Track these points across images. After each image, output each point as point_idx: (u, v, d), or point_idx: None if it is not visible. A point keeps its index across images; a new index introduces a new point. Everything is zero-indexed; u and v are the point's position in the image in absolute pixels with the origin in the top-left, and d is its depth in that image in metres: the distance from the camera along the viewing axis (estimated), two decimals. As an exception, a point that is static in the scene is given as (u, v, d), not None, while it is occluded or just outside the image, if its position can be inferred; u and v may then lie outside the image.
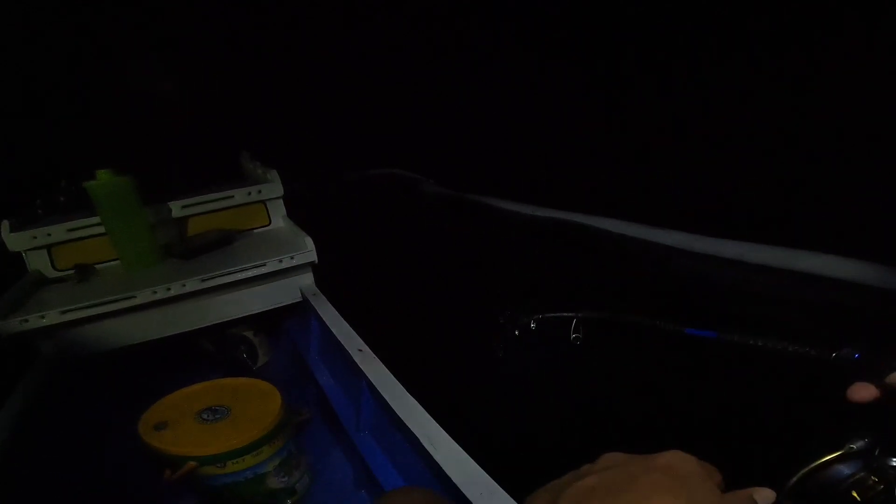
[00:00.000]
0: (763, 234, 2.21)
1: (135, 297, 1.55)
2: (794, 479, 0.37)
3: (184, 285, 1.60)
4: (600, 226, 2.63)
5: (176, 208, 1.87)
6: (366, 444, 1.47)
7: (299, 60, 3.57)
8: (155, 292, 1.56)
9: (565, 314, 0.96)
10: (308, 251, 1.79)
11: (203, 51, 3.23)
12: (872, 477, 0.34)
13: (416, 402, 1.18)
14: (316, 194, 3.29)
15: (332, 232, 3.03)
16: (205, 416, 1.41)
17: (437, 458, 0.97)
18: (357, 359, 1.42)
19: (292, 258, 1.77)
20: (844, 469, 0.36)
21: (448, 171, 3.62)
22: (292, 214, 2.13)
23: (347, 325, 1.63)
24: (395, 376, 1.34)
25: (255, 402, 1.43)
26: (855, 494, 0.35)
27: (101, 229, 1.77)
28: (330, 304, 1.78)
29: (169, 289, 1.58)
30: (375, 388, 1.29)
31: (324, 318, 1.68)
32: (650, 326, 0.80)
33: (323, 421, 1.77)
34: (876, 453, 0.35)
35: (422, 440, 1.03)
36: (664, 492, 0.33)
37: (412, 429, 1.08)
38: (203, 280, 1.62)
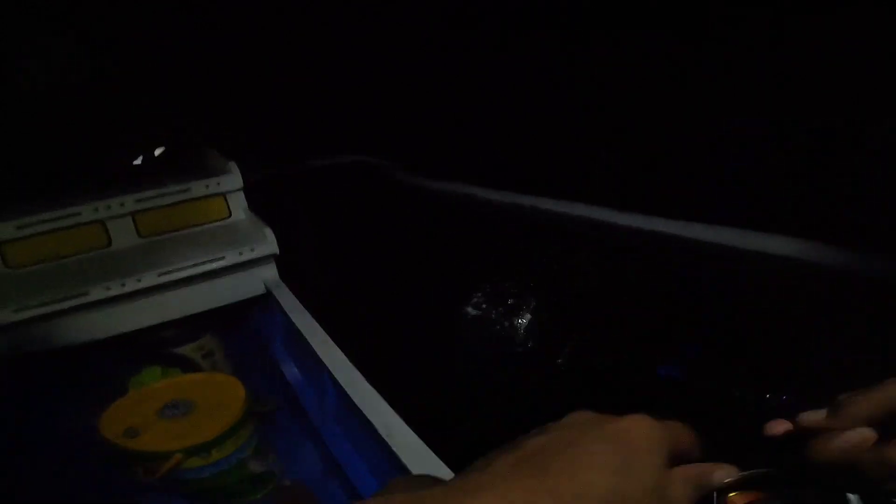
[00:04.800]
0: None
1: (87, 293, 1.52)
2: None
3: (139, 280, 1.56)
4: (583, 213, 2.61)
5: (130, 202, 1.83)
6: (332, 435, 1.48)
7: (262, 44, 3.48)
8: (108, 288, 1.53)
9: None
10: (268, 243, 1.77)
11: (162, 34, 3.12)
12: None
13: (375, 391, 1.19)
14: (281, 183, 3.24)
15: (299, 222, 2.99)
16: (168, 413, 1.40)
17: (395, 447, 0.98)
18: (319, 350, 1.42)
19: (252, 250, 1.75)
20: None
21: (420, 158, 3.58)
22: (257, 205, 2.10)
23: (310, 316, 1.62)
24: (359, 366, 1.34)
25: (217, 392, 1.42)
26: None
27: (54, 225, 1.72)
28: (293, 296, 1.77)
29: (123, 284, 1.55)
30: (337, 378, 1.29)
31: (287, 310, 1.67)
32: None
33: (291, 412, 1.76)
34: (776, 483, 0.38)
35: (379, 429, 1.04)
36: (599, 467, 0.33)
37: (370, 418, 1.09)
38: (160, 275, 1.59)
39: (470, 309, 2.11)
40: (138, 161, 2.22)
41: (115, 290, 1.55)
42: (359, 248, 2.92)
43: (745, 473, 0.39)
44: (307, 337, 1.49)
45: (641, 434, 0.35)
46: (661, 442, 0.36)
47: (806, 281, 1.61)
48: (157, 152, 2.36)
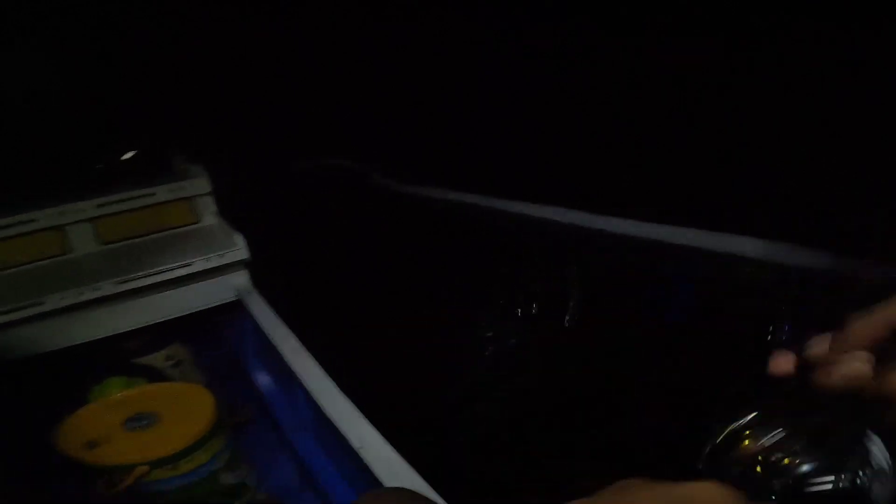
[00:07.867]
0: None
1: (43, 303, 1.44)
2: (709, 447, 0.38)
3: (97, 289, 1.48)
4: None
5: (90, 208, 1.74)
6: (305, 445, 1.42)
7: (237, 46, 3.39)
8: (63, 297, 1.45)
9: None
10: (238, 249, 1.70)
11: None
12: (777, 452, 0.36)
13: (348, 401, 1.13)
14: (255, 187, 3.15)
15: (274, 227, 2.91)
16: (133, 425, 1.32)
17: (367, 458, 0.92)
18: (290, 359, 1.36)
19: (221, 256, 1.67)
20: (752, 441, 0.37)
21: (397, 162, 3.51)
22: (229, 209, 2.02)
23: (283, 324, 1.56)
24: (333, 375, 1.28)
25: (184, 403, 1.35)
26: (759, 469, 0.36)
27: (8, 232, 1.63)
28: (265, 304, 1.70)
29: (81, 293, 1.47)
30: (309, 389, 1.23)
31: (257, 318, 1.61)
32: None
33: (263, 422, 1.70)
34: (779, 428, 0.36)
35: (352, 440, 0.98)
36: None
37: (343, 429, 1.03)
38: (119, 283, 1.51)
39: (448, 318, 2.06)
40: (101, 165, 2.13)
41: (72, 299, 1.46)
42: (335, 253, 2.85)
43: (751, 415, 0.38)
44: (278, 345, 1.43)
45: (707, 497, 0.34)
46: None
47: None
48: (126, 157, 2.27)
